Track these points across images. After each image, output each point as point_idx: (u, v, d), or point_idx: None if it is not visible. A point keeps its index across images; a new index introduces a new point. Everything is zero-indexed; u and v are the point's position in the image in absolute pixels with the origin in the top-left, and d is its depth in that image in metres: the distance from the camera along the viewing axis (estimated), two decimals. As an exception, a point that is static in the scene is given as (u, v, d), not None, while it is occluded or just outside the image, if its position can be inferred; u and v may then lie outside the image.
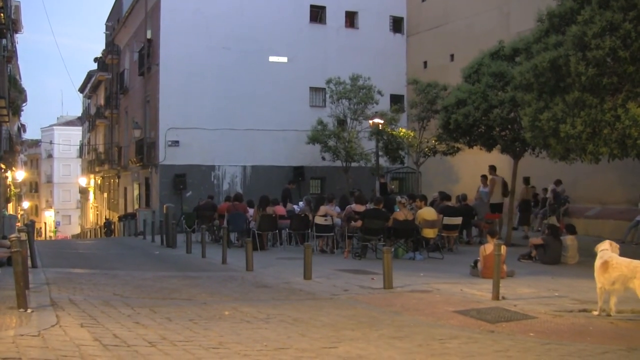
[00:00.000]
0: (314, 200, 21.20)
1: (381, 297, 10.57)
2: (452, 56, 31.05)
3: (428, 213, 17.73)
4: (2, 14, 24.94)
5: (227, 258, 16.08)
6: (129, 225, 33.92)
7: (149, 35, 33.20)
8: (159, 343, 6.65)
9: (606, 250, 9.30)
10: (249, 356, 6.30)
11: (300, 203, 22.82)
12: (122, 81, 41.71)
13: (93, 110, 56.65)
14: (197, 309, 9.04)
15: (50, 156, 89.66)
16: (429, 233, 17.61)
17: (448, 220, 18.48)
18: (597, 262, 9.17)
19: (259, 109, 31.29)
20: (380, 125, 27.20)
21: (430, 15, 33.33)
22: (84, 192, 64.49)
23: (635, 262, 8.90)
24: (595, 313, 9.11)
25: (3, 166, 36.73)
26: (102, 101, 51.28)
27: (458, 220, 18.81)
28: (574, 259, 15.71)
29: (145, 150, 32.57)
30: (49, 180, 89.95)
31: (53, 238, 66.16)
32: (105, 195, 49.78)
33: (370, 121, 27.47)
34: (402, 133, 27.50)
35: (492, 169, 21.55)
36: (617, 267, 8.87)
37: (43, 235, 70.74)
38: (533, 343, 7.34)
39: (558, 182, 22.77)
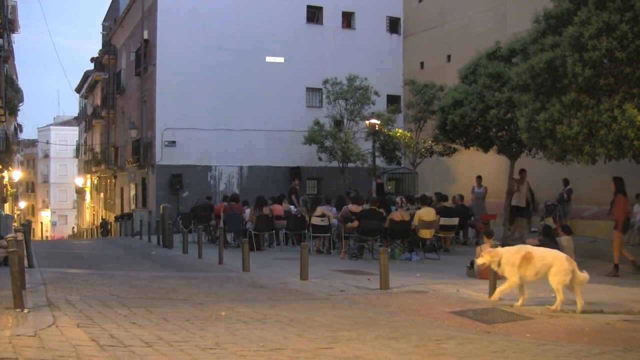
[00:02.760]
0: (310, 200, 21.21)
1: (377, 298, 10.58)
2: (448, 57, 31.07)
3: (427, 214, 17.73)
4: (-2, 14, 24.91)
5: (224, 258, 16.08)
6: (125, 226, 33.91)
7: (145, 36, 33.19)
8: (155, 343, 6.65)
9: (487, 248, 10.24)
10: (246, 356, 6.30)
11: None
12: (119, 81, 41.68)
13: (90, 110, 56.59)
14: (193, 310, 9.03)
15: (46, 156, 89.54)
16: (426, 234, 17.62)
17: (444, 221, 18.48)
18: (513, 258, 9.60)
19: (256, 109, 31.29)
20: (376, 126, 27.22)
21: (427, 16, 33.35)
22: (80, 192, 64.44)
23: (556, 251, 9.76)
24: (493, 299, 9.77)
25: (0, 166, 36.71)
26: (98, 101, 51.24)
27: (455, 220, 18.82)
28: (570, 259, 15.70)
29: (142, 151, 32.55)
30: (46, 180, 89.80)
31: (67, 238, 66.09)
32: (102, 195, 49.76)
33: (367, 122, 27.48)
34: (398, 134, 27.51)
35: (524, 172, 20.69)
36: (541, 257, 9.49)
37: (39, 235, 70.67)
38: (529, 344, 7.35)
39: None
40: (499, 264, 9.73)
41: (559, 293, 9.29)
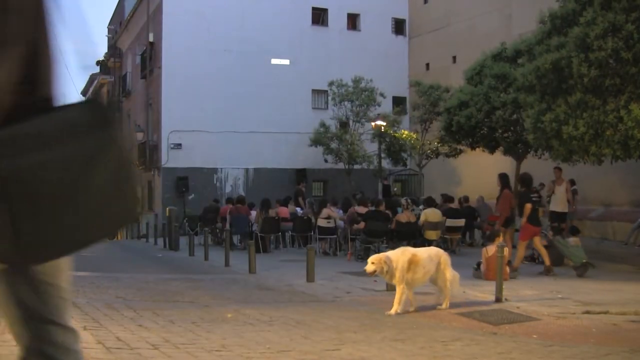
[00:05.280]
0: (316, 202, 21.20)
1: (384, 299, 10.54)
2: (454, 58, 31.05)
3: (432, 214, 17.72)
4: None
5: (230, 260, 16.07)
6: (131, 228, 33.90)
7: (151, 39, 33.23)
8: (161, 346, 6.65)
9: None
10: (252, 359, 6.30)
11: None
12: (125, 84, 41.75)
13: (96, 113, 56.58)
14: (199, 312, 9.04)
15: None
16: (432, 235, 17.60)
17: (451, 222, 18.47)
18: (402, 262, 8.98)
19: (261, 112, 31.30)
20: (382, 128, 27.23)
21: (432, 17, 33.34)
22: (86, 195, 64.49)
23: (433, 247, 9.80)
24: (392, 312, 9.02)
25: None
26: (104, 104, 51.26)
27: (461, 222, 18.80)
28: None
29: (148, 153, 32.61)
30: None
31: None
32: (108, 198, 49.75)
33: (373, 123, 27.51)
34: (404, 135, 27.54)
35: (559, 170, 18.23)
36: (427, 256, 9.22)
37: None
38: (536, 345, 7.34)
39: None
40: (388, 270, 9.00)
41: (447, 289, 9.32)
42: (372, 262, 9.08)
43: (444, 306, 9.33)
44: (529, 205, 13.96)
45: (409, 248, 9.59)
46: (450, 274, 9.33)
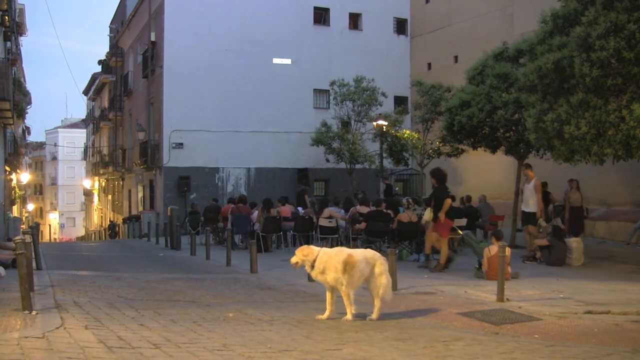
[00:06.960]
0: (318, 202, 21.17)
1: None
2: (455, 58, 31.05)
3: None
4: (6, 17, 25.01)
5: (231, 260, 16.08)
6: (133, 228, 33.96)
7: (152, 38, 33.26)
8: (163, 345, 6.65)
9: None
10: (253, 358, 6.30)
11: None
12: (126, 83, 41.78)
13: (97, 113, 56.72)
14: (201, 311, 9.04)
15: (54, 158, 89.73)
16: (433, 234, 17.57)
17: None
18: (334, 262, 8.40)
19: (263, 111, 31.32)
20: (384, 127, 27.22)
21: (433, 17, 33.34)
22: (88, 194, 64.60)
23: (368, 250, 9.03)
24: (349, 318, 8.50)
25: (8, 169, 36.79)
26: (106, 103, 51.38)
27: (462, 221, 18.75)
28: (578, 260, 15.67)
29: (149, 153, 32.62)
30: (54, 183, 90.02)
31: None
32: (110, 197, 49.88)
33: (374, 123, 27.49)
34: (406, 135, 27.51)
35: (529, 167, 17.08)
36: (362, 258, 8.51)
37: (47, 237, 70.71)
38: (538, 345, 7.33)
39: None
40: (313, 266, 8.53)
41: (379, 296, 8.53)
42: (296, 254, 8.73)
43: (374, 317, 8.56)
44: (449, 201, 14.20)
45: (345, 248, 8.93)
46: (385, 280, 8.55)
